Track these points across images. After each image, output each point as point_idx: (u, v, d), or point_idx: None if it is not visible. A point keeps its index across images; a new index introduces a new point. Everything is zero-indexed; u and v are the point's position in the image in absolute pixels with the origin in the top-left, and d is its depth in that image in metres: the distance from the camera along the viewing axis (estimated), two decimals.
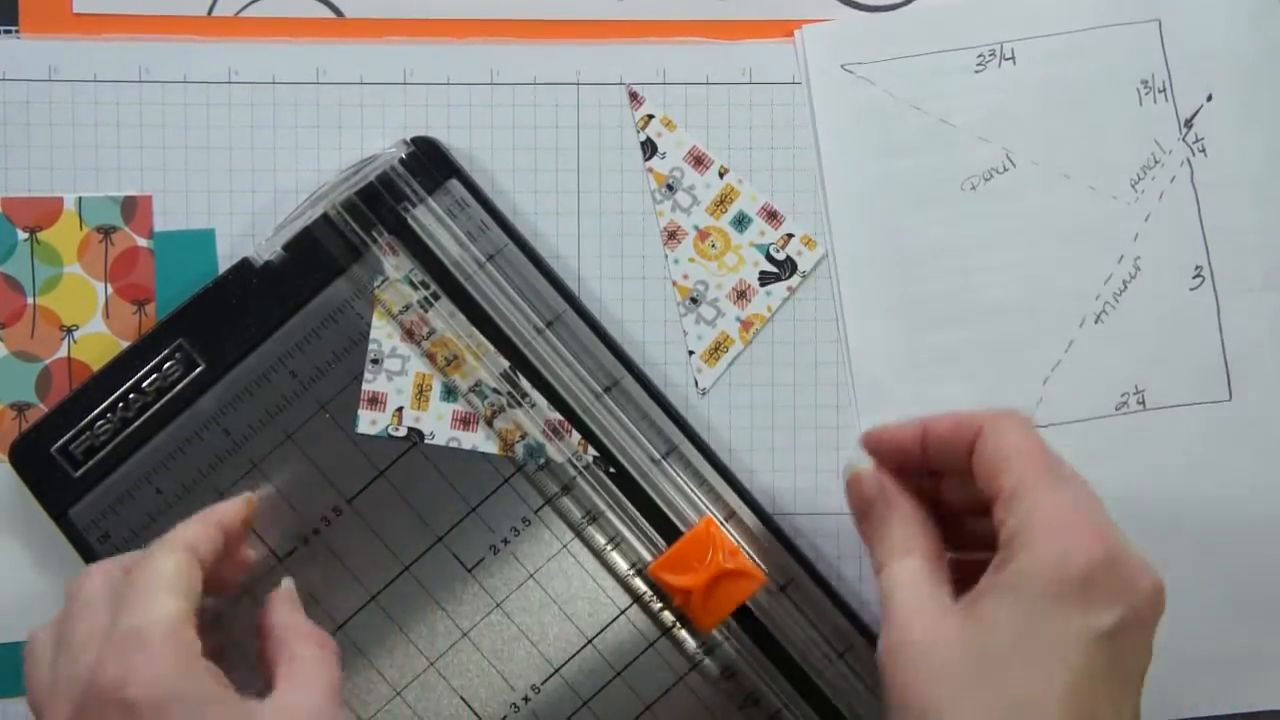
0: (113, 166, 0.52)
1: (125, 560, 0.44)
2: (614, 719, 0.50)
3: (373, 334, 0.51)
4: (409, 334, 0.50)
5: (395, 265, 0.50)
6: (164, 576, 0.41)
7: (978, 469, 0.42)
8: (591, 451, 0.50)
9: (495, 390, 0.50)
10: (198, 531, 0.44)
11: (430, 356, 0.50)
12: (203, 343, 0.50)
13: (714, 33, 0.53)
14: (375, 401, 0.50)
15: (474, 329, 0.50)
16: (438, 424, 0.50)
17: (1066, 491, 0.40)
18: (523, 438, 0.50)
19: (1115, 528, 0.40)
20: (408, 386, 0.51)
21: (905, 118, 0.53)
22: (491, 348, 0.50)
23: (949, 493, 0.45)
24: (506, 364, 0.50)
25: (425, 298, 0.50)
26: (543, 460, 0.50)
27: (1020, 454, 0.41)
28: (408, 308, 0.50)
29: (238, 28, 0.53)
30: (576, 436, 0.50)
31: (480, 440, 0.50)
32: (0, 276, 0.52)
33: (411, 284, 0.50)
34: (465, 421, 0.51)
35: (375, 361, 0.51)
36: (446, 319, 0.50)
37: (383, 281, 0.50)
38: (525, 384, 0.50)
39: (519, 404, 0.50)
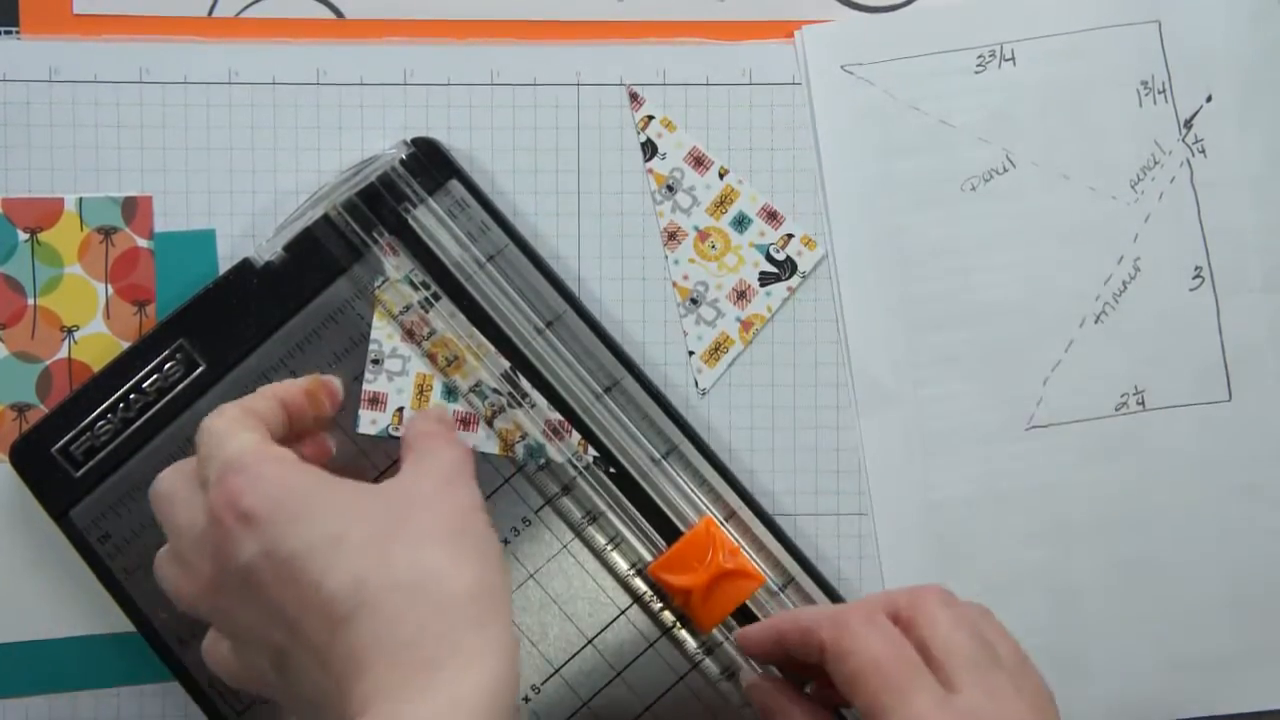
0: (113, 167, 0.52)
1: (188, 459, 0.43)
2: (614, 719, 0.50)
3: (373, 334, 0.51)
4: (409, 334, 0.50)
5: (396, 266, 0.50)
6: (226, 427, 0.41)
7: (834, 679, 0.41)
8: (591, 451, 0.50)
9: (495, 390, 0.50)
10: (252, 398, 0.44)
11: (431, 357, 0.51)
12: (203, 343, 0.50)
13: (714, 33, 0.53)
14: (376, 402, 0.50)
15: (474, 329, 0.50)
16: None
17: (921, 699, 0.38)
18: (523, 438, 0.50)
19: (985, 701, 0.38)
20: (408, 387, 0.51)
21: (905, 118, 0.53)
22: (492, 348, 0.50)
23: None
24: (507, 364, 0.50)
25: (426, 298, 0.50)
26: (543, 460, 0.50)
27: (864, 673, 0.39)
28: (408, 308, 0.50)
29: (238, 28, 0.53)
30: (576, 436, 0.50)
31: (480, 440, 0.50)
32: (1, 277, 0.52)
33: (412, 284, 0.50)
34: (466, 422, 0.51)
35: (376, 362, 0.51)
36: (447, 319, 0.50)
37: (383, 282, 0.50)
38: (525, 384, 0.50)
39: (519, 404, 0.50)
